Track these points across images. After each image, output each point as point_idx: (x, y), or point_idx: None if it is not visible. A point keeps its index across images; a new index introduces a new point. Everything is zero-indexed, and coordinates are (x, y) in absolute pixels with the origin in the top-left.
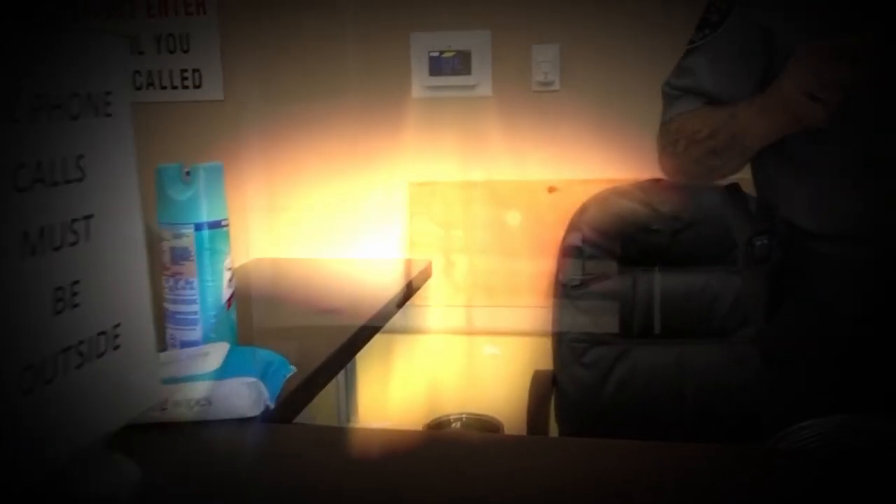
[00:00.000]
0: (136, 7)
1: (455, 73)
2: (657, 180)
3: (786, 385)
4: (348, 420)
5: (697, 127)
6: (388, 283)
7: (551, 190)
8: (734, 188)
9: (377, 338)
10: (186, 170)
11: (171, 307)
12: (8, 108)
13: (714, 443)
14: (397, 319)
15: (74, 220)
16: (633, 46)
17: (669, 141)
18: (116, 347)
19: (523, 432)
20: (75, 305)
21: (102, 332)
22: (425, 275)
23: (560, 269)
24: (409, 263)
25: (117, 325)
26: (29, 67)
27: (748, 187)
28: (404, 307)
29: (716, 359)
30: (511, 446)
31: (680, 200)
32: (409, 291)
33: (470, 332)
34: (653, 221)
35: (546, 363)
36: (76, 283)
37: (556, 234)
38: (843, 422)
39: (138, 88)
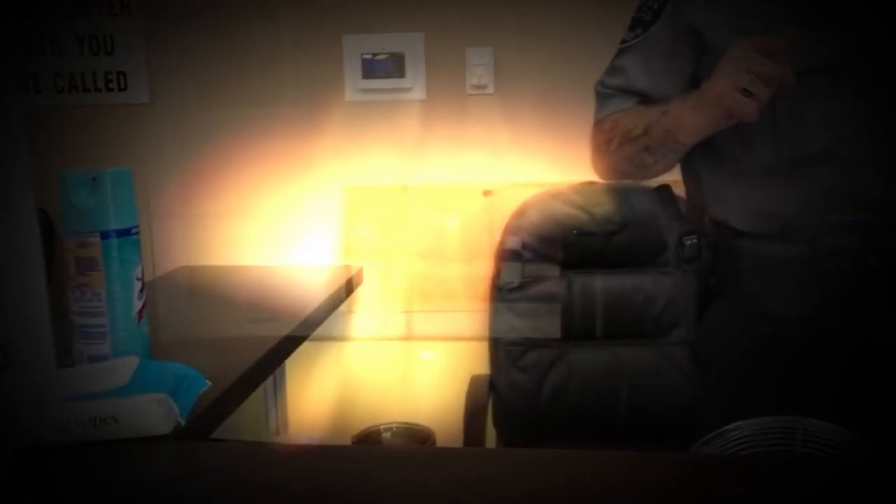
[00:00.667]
0: (57, 7)
1: (388, 75)
2: (591, 183)
3: (716, 385)
4: (277, 431)
5: (631, 125)
6: (317, 290)
7: (486, 194)
8: (664, 189)
9: (309, 346)
10: (93, 175)
11: (77, 320)
12: None
13: (647, 445)
14: (331, 326)
15: None
16: (567, 48)
17: (603, 140)
18: (8, 365)
19: (460, 438)
20: None
21: None
22: (357, 281)
23: (496, 272)
24: (339, 270)
25: (10, 342)
26: None
27: (680, 188)
28: (338, 313)
29: (650, 360)
30: (436, 459)
31: (613, 203)
32: (340, 298)
33: (406, 338)
34: (587, 224)
35: (483, 368)
36: None
37: (491, 238)
38: (770, 423)
39: (60, 91)
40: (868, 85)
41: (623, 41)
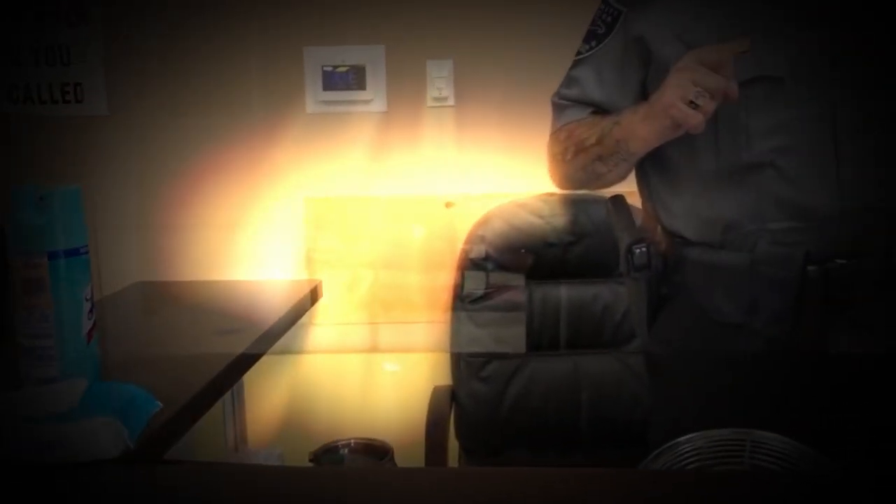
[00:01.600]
0: (13, 17)
1: (349, 87)
2: (550, 194)
3: (668, 394)
4: (236, 447)
5: (585, 135)
6: (276, 304)
7: (448, 205)
8: (618, 199)
9: (269, 359)
10: (41, 193)
11: (25, 342)
12: None
13: (608, 453)
14: (292, 339)
15: None
16: (527, 60)
17: (559, 150)
18: None
19: (422, 451)
20: None
21: None
22: (315, 295)
23: (459, 283)
24: (298, 284)
25: None
26: None
27: (637, 199)
28: (299, 325)
29: (610, 369)
30: (398, 480)
31: (571, 213)
32: (298, 314)
33: (368, 350)
34: (548, 234)
35: (446, 379)
36: None
37: (453, 249)
38: (722, 435)
39: (15, 101)
40: (808, 94)
41: (578, 53)
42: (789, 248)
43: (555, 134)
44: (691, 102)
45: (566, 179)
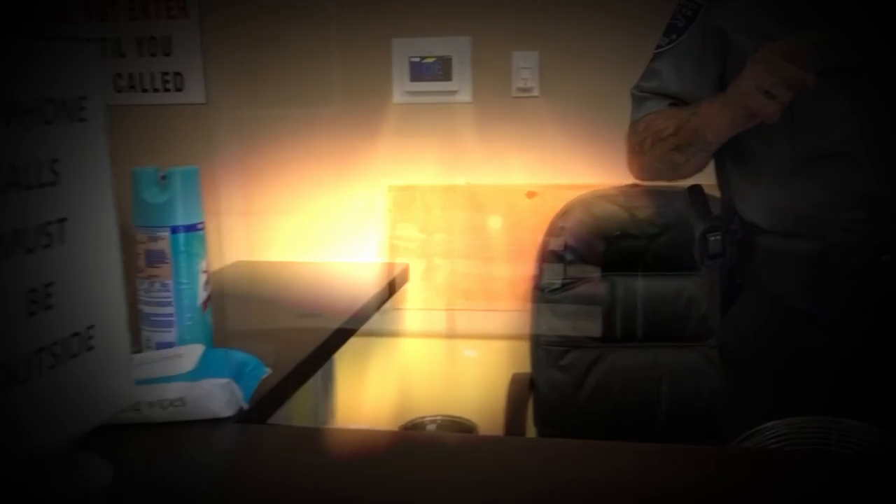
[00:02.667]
0: (118, 9)
1: (435, 78)
2: (634, 185)
3: (740, 384)
4: (325, 421)
5: (663, 125)
6: (365, 287)
7: (530, 195)
8: (695, 189)
9: (356, 340)
10: (162, 173)
11: (146, 309)
12: None
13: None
14: (377, 322)
15: (48, 223)
16: (611, 52)
17: (637, 140)
18: (90, 349)
19: (501, 434)
20: (49, 307)
21: (76, 334)
22: (403, 278)
23: (539, 273)
24: (387, 267)
25: (91, 327)
26: (1, 74)
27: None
28: (383, 310)
29: (690, 363)
30: (485, 447)
31: (656, 206)
32: (387, 295)
33: (449, 336)
34: (631, 226)
35: (524, 366)
36: (50, 284)
37: (534, 239)
38: (809, 423)
39: (119, 91)
40: (885, 83)
41: (658, 46)
42: (861, 238)
43: (633, 125)
44: (767, 92)
45: (643, 170)
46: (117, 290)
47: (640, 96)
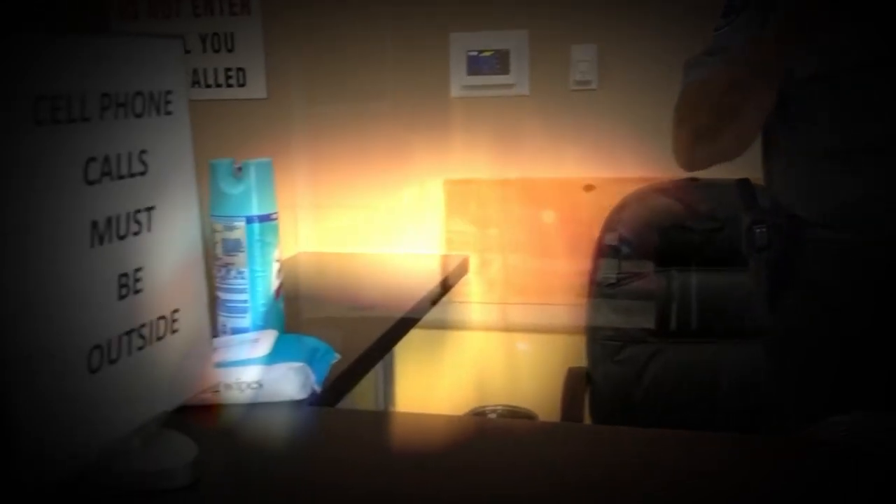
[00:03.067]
0: (182, 6)
1: (493, 72)
2: (694, 179)
3: (787, 378)
4: (386, 409)
5: (716, 71)
6: (425, 278)
7: (588, 188)
8: (744, 182)
9: (414, 332)
10: (238, 165)
11: (222, 295)
12: (80, 107)
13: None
14: (434, 314)
15: (138, 211)
16: (670, 45)
17: (687, 101)
18: (175, 332)
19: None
20: (138, 291)
21: (162, 317)
22: (462, 270)
23: (596, 267)
24: (446, 259)
25: (176, 311)
26: (97, 69)
27: None
28: (441, 303)
29: (750, 358)
30: (550, 433)
31: (714, 199)
32: (446, 286)
33: (504, 329)
34: (689, 220)
35: (580, 361)
36: (139, 270)
37: (592, 232)
38: (874, 419)
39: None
40: None
41: (717, 27)
42: None
43: (683, 92)
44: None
45: (697, 138)
46: (200, 276)
47: (692, 62)
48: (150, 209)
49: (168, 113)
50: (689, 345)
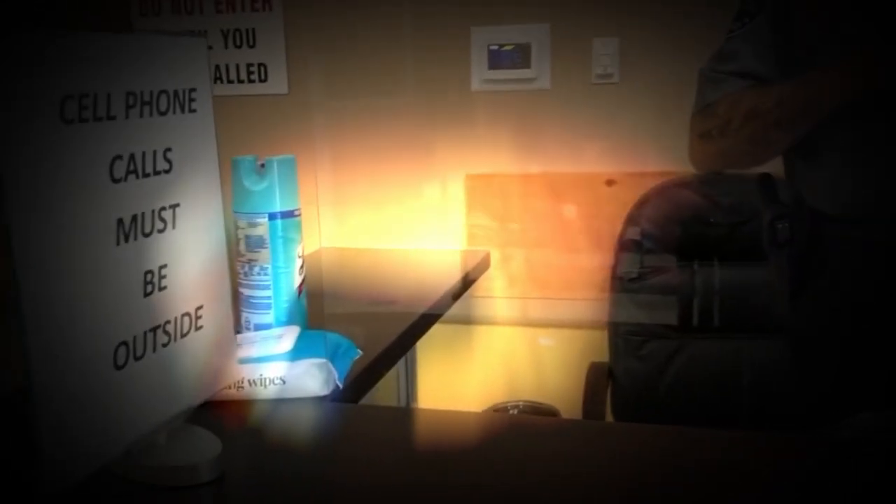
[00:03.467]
0: (205, 2)
1: (514, 66)
2: (716, 173)
3: (810, 375)
4: (408, 405)
5: (758, 100)
6: (447, 274)
7: (609, 183)
8: (765, 177)
9: (436, 327)
10: (261, 162)
11: (245, 292)
12: (105, 106)
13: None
14: (455, 309)
15: (163, 209)
16: (690, 39)
17: (716, 123)
18: (199, 328)
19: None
20: (163, 288)
21: (186, 314)
22: (483, 266)
23: (617, 262)
24: (467, 254)
25: (200, 307)
26: (122, 68)
27: None
28: (462, 298)
29: (774, 354)
30: (572, 430)
31: (737, 193)
32: (468, 282)
33: (526, 324)
34: (712, 214)
35: (602, 356)
36: (164, 267)
37: (614, 227)
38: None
39: None
40: None
41: (730, 31)
42: None
43: (708, 108)
44: None
45: (721, 155)
46: (223, 273)
47: (715, 77)
48: (174, 206)
49: (192, 111)
50: (711, 340)
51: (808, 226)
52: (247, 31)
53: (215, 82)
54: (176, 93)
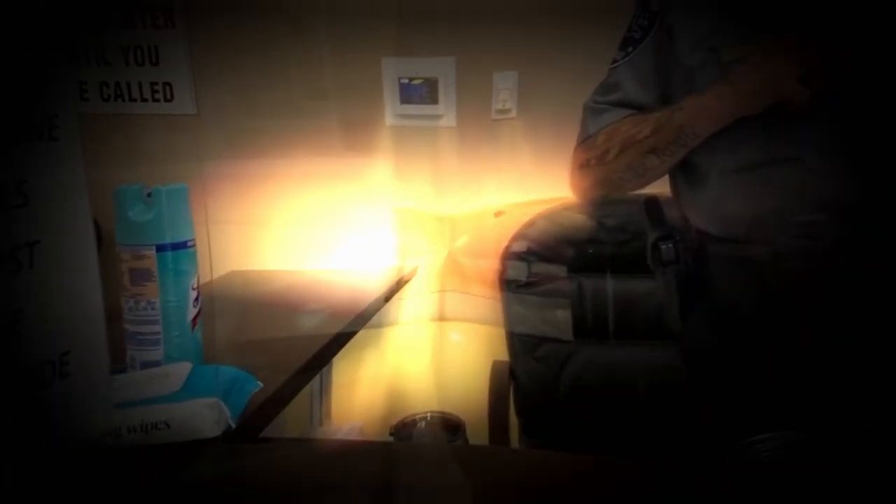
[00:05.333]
0: (98, 18)
1: (423, 101)
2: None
3: (706, 389)
4: (321, 422)
5: (634, 129)
6: (364, 289)
7: (497, 214)
8: (651, 200)
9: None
10: (147, 191)
11: (130, 328)
12: None
13: (667, 441)
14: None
15: (16, 248)
16: (585, 69)
17: (595, 154)
18: (65, 376)
19: (485, 423)
20: (16, 334)
21: (49, 361)
22: (403, 280)
23: (504, 269)
24: (390, 271)
25: (66, 353)
26: None
27: None
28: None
29: (666, 360)
30: (472, 457)
31: (623, 213)
32: (390, 294)
33: (438, 319)
34: (598, 234)
35: (504, 353)
36: (18, 311)
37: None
38: (798, 437)
39: (106, 100)
40: (833, 93)
41: (614, 61)
42: (813, 242)
43: (588, 140)
44: (802, 79)
45: (600, 183)
46: (96, 313)
47: (596, 108)
48: (32, 244)
49: (53, 139)
50: (604, 346)
51: (695, 245)
52: (149, 48)
53: (116, 100)
54: (30, 119)
